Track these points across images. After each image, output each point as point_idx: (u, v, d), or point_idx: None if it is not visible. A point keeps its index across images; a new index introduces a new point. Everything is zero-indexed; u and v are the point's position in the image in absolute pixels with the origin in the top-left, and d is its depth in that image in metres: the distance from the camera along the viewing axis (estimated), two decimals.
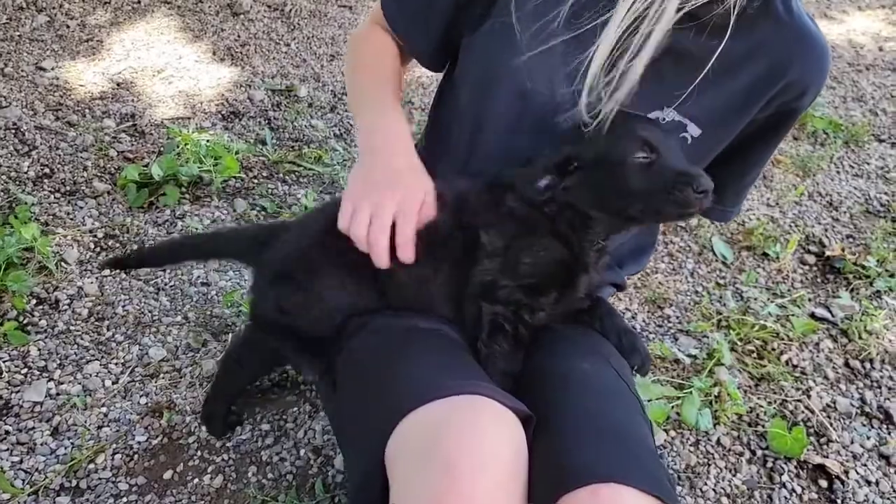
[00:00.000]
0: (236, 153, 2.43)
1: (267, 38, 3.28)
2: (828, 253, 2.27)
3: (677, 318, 2.04)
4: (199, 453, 1.57)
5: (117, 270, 1.98)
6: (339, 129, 2.74)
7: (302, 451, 1.59)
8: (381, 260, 1.12)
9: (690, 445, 1.69)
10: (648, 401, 1.72)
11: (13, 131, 2.44)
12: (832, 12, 4.07)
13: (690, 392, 1.73)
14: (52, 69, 2.85)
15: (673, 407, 1.73)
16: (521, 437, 1.02)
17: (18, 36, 3.01)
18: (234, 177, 2.37)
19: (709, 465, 1.65)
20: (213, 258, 1.63)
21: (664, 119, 1.25)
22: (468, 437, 0.94)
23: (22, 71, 2.80)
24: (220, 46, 3.15)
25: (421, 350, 1.15)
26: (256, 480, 1.53)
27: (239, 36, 3.25)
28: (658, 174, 1.11)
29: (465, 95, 1.34)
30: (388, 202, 1.13)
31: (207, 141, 2.41)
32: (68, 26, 3.13)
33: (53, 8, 3.18)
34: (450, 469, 0.91)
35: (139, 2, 3.36)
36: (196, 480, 1.52)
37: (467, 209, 1.21)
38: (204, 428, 1.60)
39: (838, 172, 2.74)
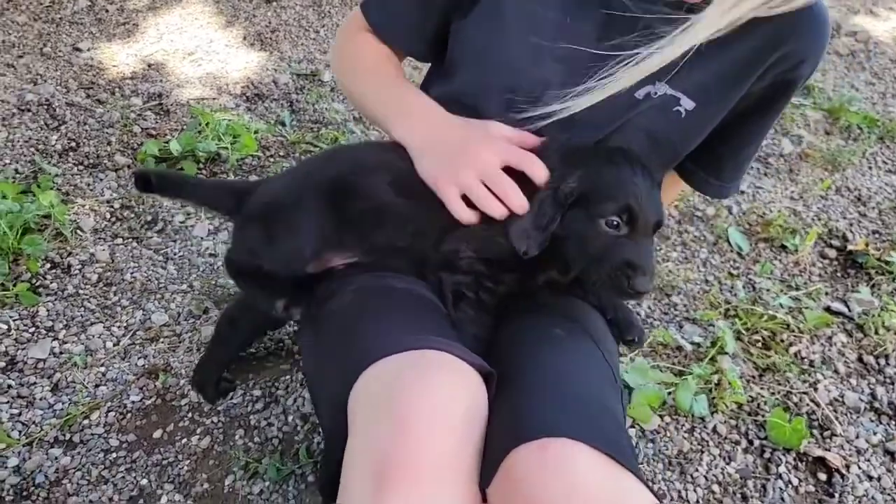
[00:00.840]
0: (255, 132, 2.47)
1: (297, 25, 3.32)
2: (850, 247, 2.19)
3: (684, 305, 1.99)
4: (189, 415, 1.60)
5: (130, 239, 2.03)
6: (359, 113, 2.76)
7: (290, 418, 1.61)
8: (517, 203, 1.10)
9: (685, 432, 1.65)
10: (644, 385, 1.68)
11: (45, 107, 2.52)
12: (878, 9, 3.93)
13: (686, 379, 1.69)
14: (88, 50, 2.94)
15: (670, 393, 1.69)
16: (478, 393, 1.01)
17: (59, 18, 3.12)
18: (252, 155, 2.41)
19: (702, 451, 1.61)
20: (194, 202, 1.64)
21: (656, 93, 1.22)
22: (418, 391, 0.94)
23: (59, 51, 2.90)
24: (250, 32, 3.21)
25: (390, 308, 1.15)
26: (243, 443, 1.56)
27: (270, 22, 3.30)
28: (611, 250, 1.07)
29: (459, 79, 1.33)
30: (489, 157, 1.12)
31: (228, 120, 2.46)
32: (107, 10, 3.23)
33: None
34: (399, 424, 0.91)
35: None
36: (184, 440, 1.55)
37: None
38: (197, 394, 1.63)
39: (870, 168, 2.64)
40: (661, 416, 1.68)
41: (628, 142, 1.27)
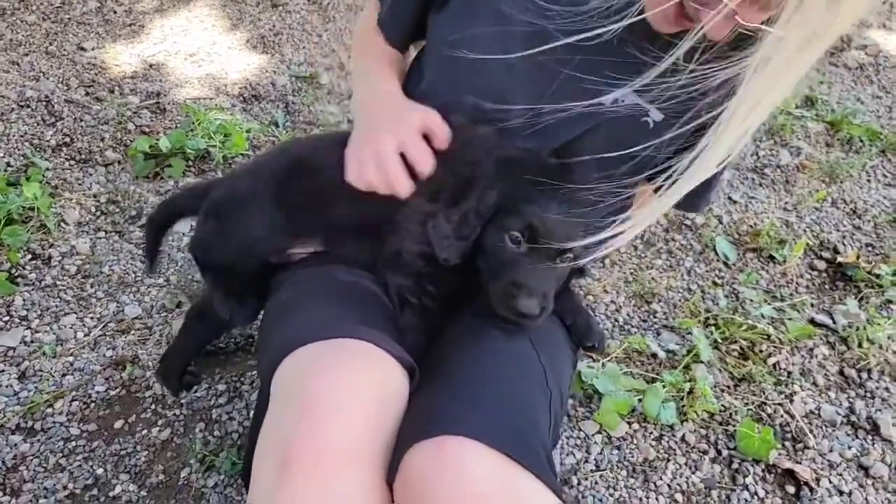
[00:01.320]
0: (247, 132, 2.49)
1: (300, 29, 3.34)
2: (840, 259, 2.14)
3: (664, 313, 1.96)
4: (152, 407, 1.60)
5: (112, 233, 2.05)
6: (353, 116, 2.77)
7: (252, 413, 1.60)
8: (400, 186, 1.11)
9: (652, 440, 1.62)
10: (615, 391, 1.65)
11: (44, 103, 2.56)
12: (891, 23, 3.86)
13: (655, 385, 1.65)
14: (93, 49, 2.99)
15: (640, 401, 1.66)
16: (393, 383, 0.99)
17: (68, 18, 3.17)
18: (242, 154, 2.42)
19: (668, 460, 1.58)
20: (176, 219, 1.66)
21: (622, 100, 1.21)
22: (326, 377, 0.93)
23: (64, 50, 2.95)
24: (254, 35, 3.24)
25: (327, 299, 1.14)
26: (202, 436, 1.55)
27: (274, 26, 3.33)
28: (506, 267, 1.07)
29: (429, 76, 1.33)
30: (386, 140, 1.12)
31: (220, 119, 2.47)
32: (115, 11, 3.28)
33: None
34: (303, 412, 0.90)
35: None
36: (145, 432, 1.55)
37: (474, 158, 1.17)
38: (161, 385, 1.63)
39: (868, 181, 2.58)
40: (630, 423, 1.64)
41: (595, 146, 1.25)
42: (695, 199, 1.38)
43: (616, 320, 1.93)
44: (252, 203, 1.26)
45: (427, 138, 1.17)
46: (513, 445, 0.90)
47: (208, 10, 3.41)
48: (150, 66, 2.93)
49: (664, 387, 1.66)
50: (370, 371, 0.96)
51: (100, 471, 1.47)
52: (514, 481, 0.87)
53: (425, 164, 1.13)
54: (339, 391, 0.91)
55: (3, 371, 1.64)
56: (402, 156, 1.14)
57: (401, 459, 0.89)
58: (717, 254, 2.18)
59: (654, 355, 1.81)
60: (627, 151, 1.27)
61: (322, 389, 0.90)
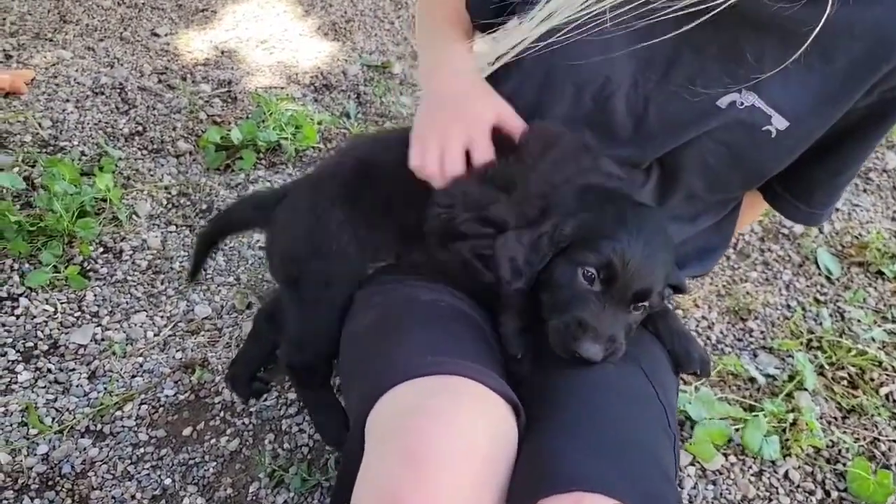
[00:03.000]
0: (319, 123, 2.42)
1: (372, 16, 3.26)
2: None
3: (761, 332, 1.81)
4: (221, 414, 1.55)
5: (183, 227, 2.01)
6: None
7: None
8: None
9: (751, 475, 1.48)
10: (709, 419, 1.52)
11: (118, 90, 2.54)
12: None
13: (758, 415, 1.51)
14: (166, 35, 2.96)
15: (737, 430, 1.53)
16: (506, 427, 0.90)
17: (142, 3, 3.15)
18: (312, 147, 2.36)
19: (770, 499, 1.44)
20: (230, 233, 1.62)
21: (742, 104, 1.07)
22: (436, 425, 0.84)
23: (138, 36, 2.93)
24: (325, 21, 3.16)
25: (412, 324, 1.05)
26: (272, 449, 1.49)
27: (346, 12, 3.25)
28: (573, 303, 0.98)
29: (517, 74, 1.22)
30: (455, 132, 1.06)
31: (292, 110, 2.41)
32: None
33: None
34: (409, 459, 0.81)
35: None
36: (213, 440, 1.50)
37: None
38: (230, 390, 1.58)
39: None
40: (726, 455, 1.51)
41: (704, 156, 1.13)
42: (817, 210, 1.24)
43: (708, 338, 1.79)
44: (338, 223, 1.18)
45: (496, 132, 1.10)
46: None
47: None
48: (222, 52, 2.89)
49: (765, 416, 1.52)
50: (480, 413, 0.87)
51: (167, 481, 1.43)
52: None
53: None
54: (449, 437, 0.81)
55: (73, 370, 1.60)
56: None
57: None
58: (818, 267, 2.01)
59: (752, 379, 1.66)
60: (743, 165, 1.14)
61: (429, 435, 0.81)
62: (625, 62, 1.08)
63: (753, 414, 1.53)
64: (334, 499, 1.00)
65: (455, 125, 1.07)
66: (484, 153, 1.07)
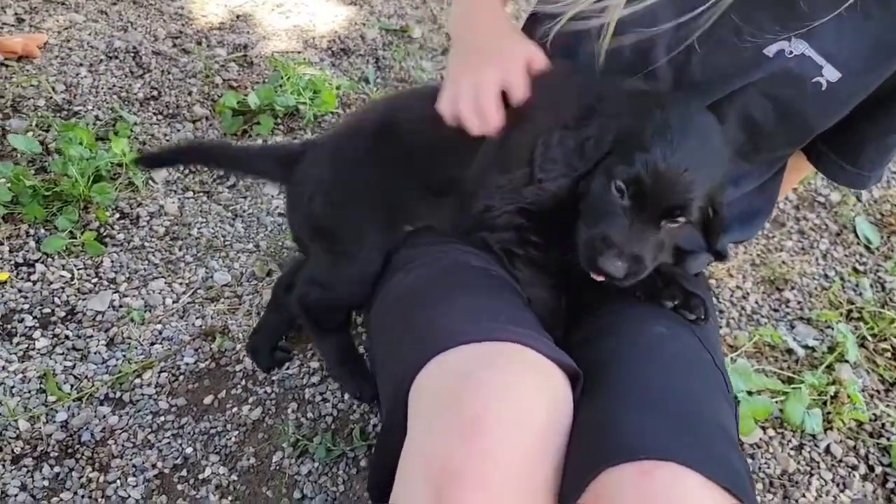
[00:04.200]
0: (337, 88, 2.36)
1: None
2: None
3: (798, 303, 1.75)
4: (242, 382, 1.51)
5: (201, 193, 1.96)
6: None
7: (346, 395, 1.49)
8: (492, 120, 1.03)
9: (791, 449, 1.43)
10: (749, 393, 1.47)
11: (132, 54, 2.48)
12: None
13: (800, 387, 1.46)
14: None
15: (777, 403, 1.47)
16: (563, 395, 0.85)
17: None
18: (331, 112, 2.30)
19: (811, 474, 1.39)
20: (240, 171, 1.69)
21: (791, 52, 1.01)
22: (495, 391, 0.79)
23: (151, 0, 2.86)
24: None
25: (463, 288, 1.00)
26: (295, 418, 1.45)
27: None
28: (602, 218, 0.93)
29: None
30: (490, 72, 1.03)
31: (310, 75, 2.35)
32: None
33: None
34: (467, 427, 0.77)
35: None
36: (235, 409, 1.46)
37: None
38: (252, 360, 1.54)
39: None
40: (764, 429, 1.46)
41: (749, 110, 1.06)
42: (864, 171, 1.17)
43: (743, 308, 1.73)
44: (363, 182, 1.15)
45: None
46: (730, 476, 0.74)
47: None
48: (237, 16, 2.82)
49: (806, 390, 1.46)
50: (537, 381, 0.82)
51: (189, 450, 1.39)
52: None
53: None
54: (506, 407, 0.77)
55: (92, 337, 1.57)
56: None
57: (586, 483, 0.75)
58: (857, 236, 1.94)
59: (790, 351, 1.61)
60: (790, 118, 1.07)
61: (488, 403, 0.77)
62: (667, 9, 1.02)
63: (793, 386, 1.47)
64: (373, 473, 0.96)
65: (488, 67, 1.04)
66: (520, 91, 1.03)
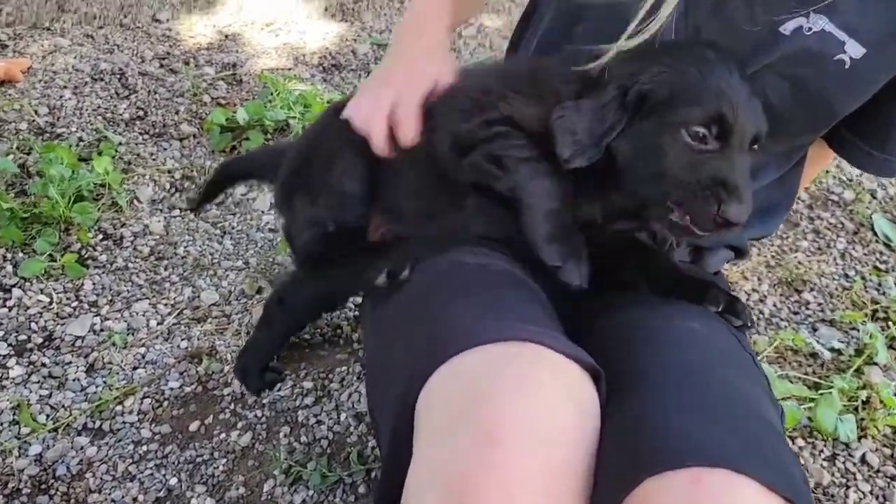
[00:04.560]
0: (328, 102, 2.29)
1: None
2: None
3: (819, 304, 1.65)
4: (231, 406, 1.41)
5: (187, 211, 1.88)
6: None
7: (343, 416, 1.39)
8: (378, 143, 1.04)
9: (824, 460, 1.33)
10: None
11: (118, 76, 2.42)
12: None
13: (830, 393, 1.36)
14: (167, 21, 2.84)
15: (805, 410, 1.37)
16: (588, 398, 0.76)
17: None
18: None
19: (847, 486, 1.29)
20: (237, 179, 1.66)
21: (810, 29, 0.93)
22: (512, 397, 0.70)
23: (139, 22, 2.81)
24: (332, 3, 3.04)
25: (466, 286, 0.91)
26: (287, 443, 1.35)
27: None
28: (697, 169, 0.84)
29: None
30: (387, 90, 1.04)
31: (299, 90, 2.29)
32: None
33: None
34: (485, 437, 0.68)
35: None
36: (223, 435, 1.36)
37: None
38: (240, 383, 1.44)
39: None
40: (792, 438, 1.36)
41: (765, 94, 0.98)
42: (893, 157, 1.09)
43: (761, 312, 1.64)
44: (335, 155, 1.13)
45: None
46: (789, 484, 0.65)
47: None
48: (226, 36, 2.77)
49: (837, 395, 1.36)
50: (561, 384, 0.74)
51: (173, 481, 1.29)
52: None
53: (407, 135, 1.03)
54: (531, 415, 0.69)
55: (70, 363, 1.47)
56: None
57: (624, 494, 0.66)
58: (875, 234, 1.85)
59: (814, 355, 1.51)
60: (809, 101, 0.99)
61: (507, 410, 0.69)
62: None
63: (821, 392, 1.37)
64: (380, 492, 0.87)
65: (391, 85, 1.05)
66: (406, 108, 1.02)
